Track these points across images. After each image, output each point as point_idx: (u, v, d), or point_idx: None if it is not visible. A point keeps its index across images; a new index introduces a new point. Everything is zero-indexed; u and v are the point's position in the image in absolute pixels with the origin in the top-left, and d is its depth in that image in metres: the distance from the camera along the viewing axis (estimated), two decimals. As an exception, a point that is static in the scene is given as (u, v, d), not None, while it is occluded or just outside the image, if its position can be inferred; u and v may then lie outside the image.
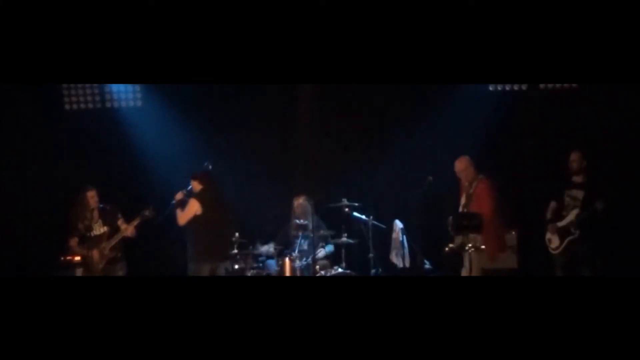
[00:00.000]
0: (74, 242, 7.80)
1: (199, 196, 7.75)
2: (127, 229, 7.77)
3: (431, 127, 9.15)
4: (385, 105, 9.41)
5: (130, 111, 9.55)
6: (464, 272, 7.54)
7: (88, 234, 7.74)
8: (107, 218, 7.82)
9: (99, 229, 7.77)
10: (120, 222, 7.82)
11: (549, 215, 7.84)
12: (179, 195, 7.78)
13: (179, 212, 7.77)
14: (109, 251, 7.72)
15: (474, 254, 7.39)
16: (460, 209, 7.74)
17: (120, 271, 7.88)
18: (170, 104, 9.41)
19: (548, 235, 7.77)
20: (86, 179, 9.12)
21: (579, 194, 7.58)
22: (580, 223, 7.49)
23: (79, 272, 7.79)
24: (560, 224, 7.66)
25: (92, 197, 7.79)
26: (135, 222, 7.83)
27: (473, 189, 7.59)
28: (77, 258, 7.90)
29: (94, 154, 9.47)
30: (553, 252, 7.73)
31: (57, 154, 9.46)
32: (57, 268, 8.04)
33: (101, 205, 7.89)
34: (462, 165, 7.70)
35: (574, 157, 7.64)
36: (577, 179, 7.64)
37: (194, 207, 7.71)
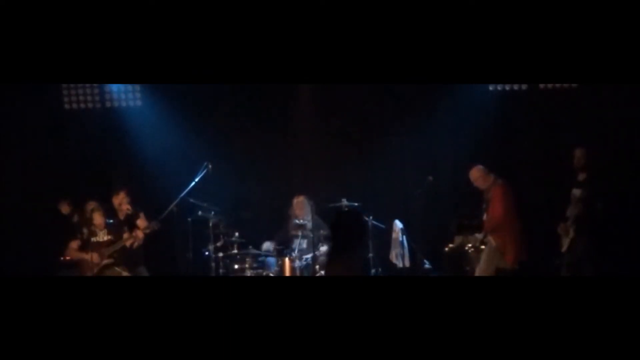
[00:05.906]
0: (74, 244, 7.82)
1: None
2: (137, 236, 7.83)
3: (431, 127, 9.15)
4: (385, 105, 9.41)
5: (130, 111, 9.55)
6: (477, 272, 7.66)
7: (91, 239, 7.77)
8: (114, 230, 7.86)
9: (103, 237, 7.81)
10: (126, 235, 7.84)
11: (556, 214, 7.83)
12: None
13: None
14: (107, 257, 7.73)
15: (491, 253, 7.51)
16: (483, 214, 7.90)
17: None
18: (170, 104, 9.41)
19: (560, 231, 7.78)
20: (86, 178, 9.16)
21: (580, 192, 7.56)
22: (581, 221, 7.48)
23: (73, 273, 7.78)
24: (564, 222, 7.65)
25: (97, 212, 7.83)
26: (147, 230, 7.94)
27: (490, 195, 7.72)
28: (73, 259, 7.90)
29: (94, 154, 9.47)
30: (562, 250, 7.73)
31: (57, 153, 9.45)
32: (57, 268, 8.04)
33: (110, 221, 7.94)
34: (474, 175, 7.85)
35: (579, 153, 7.63)
36: (581, 176, 7.62)
37: None
